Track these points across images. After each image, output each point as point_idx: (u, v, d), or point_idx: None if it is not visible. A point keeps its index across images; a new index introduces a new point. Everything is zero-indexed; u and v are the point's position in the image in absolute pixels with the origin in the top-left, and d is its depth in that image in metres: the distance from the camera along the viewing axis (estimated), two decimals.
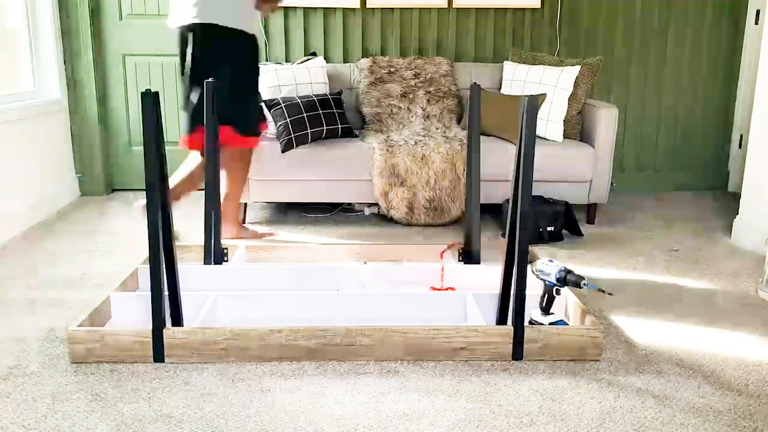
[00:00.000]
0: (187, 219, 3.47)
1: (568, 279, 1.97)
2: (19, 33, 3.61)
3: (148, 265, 1.89)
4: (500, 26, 3.97)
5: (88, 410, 1.67)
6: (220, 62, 2.67)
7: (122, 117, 4.03)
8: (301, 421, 1.63)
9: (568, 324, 2.05)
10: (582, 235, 3.21)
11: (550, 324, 2.01)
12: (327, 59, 3.94)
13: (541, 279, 2.05)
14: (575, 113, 3.49)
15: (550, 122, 3.40)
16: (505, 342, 1.93)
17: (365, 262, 2.69)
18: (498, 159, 3.28)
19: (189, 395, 1.74)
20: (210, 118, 2.47)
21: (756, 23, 4.02)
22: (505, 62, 3.69)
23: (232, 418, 1.64)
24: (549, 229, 3.11)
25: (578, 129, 3.52)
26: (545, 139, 3.42)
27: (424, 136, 3.41)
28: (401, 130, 3.51)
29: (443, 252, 2.68)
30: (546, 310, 2.05)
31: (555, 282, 2.00)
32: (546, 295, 2.04)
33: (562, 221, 3.15)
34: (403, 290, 2.35)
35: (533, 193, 3.16)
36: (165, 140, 1.91)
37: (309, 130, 3.28)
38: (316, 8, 3.90)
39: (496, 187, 3.30)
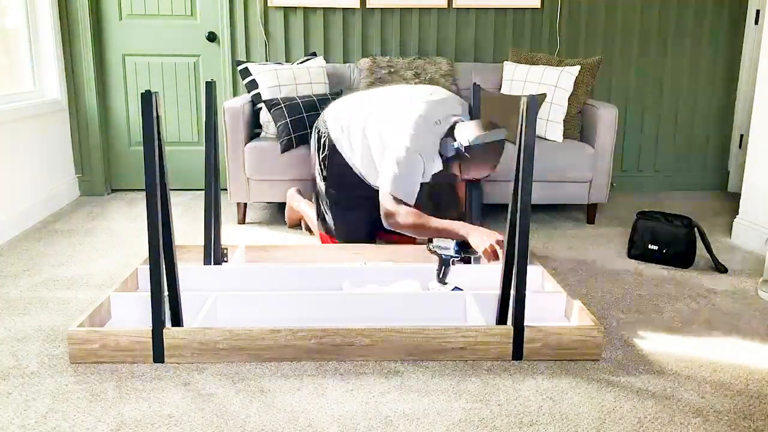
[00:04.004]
0: (188, 219, 3.48)
1: (463, 251, 2.29)
2: (19, 33, 3.61)
3: (148, 265, 1.88)
4: (500, 26, 3.97)
5: (88, 410, 1.67)
6: None
7: (122, 117, 4.03)
8: (301, 421, 1.63)
9: (463, 290, 2.25)
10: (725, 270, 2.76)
11: (453, 290, 2.27)
12: (327, 59, 3.94)
13: (439, 254, 2.32)
14: (575, 113, 3.49)
15: (550, 122, 3.40)
16: (505, 342, 1.93)
17: (365, 263, 2.69)
18: None
19: (189, 395, 1.74)
20: (210, 117, 2.46)
21: (756, 23, 4.02)
22: (505, 62, 3.69)
23: (232, 418, 1.64)
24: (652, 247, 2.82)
25: (578, 129, 3.51)
26: (545, 139, 3.42)
27: None
28: None
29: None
30: (443, 280, 2.33)
31: (453, 255, 2.29)
32: (443, 267, 2.32)
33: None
34: (392, 288, 2.35)
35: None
36: (165, 140, 1.91)
37: (309, 130, 3.28)
38: (316, 8, 3.90)
39: (497, 187, 3.30)
